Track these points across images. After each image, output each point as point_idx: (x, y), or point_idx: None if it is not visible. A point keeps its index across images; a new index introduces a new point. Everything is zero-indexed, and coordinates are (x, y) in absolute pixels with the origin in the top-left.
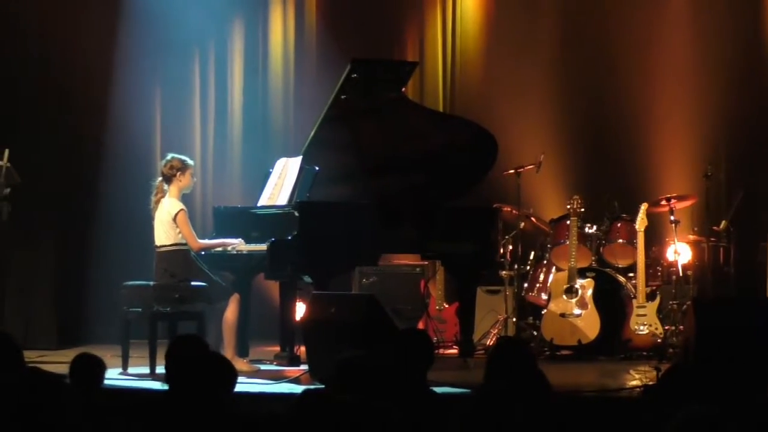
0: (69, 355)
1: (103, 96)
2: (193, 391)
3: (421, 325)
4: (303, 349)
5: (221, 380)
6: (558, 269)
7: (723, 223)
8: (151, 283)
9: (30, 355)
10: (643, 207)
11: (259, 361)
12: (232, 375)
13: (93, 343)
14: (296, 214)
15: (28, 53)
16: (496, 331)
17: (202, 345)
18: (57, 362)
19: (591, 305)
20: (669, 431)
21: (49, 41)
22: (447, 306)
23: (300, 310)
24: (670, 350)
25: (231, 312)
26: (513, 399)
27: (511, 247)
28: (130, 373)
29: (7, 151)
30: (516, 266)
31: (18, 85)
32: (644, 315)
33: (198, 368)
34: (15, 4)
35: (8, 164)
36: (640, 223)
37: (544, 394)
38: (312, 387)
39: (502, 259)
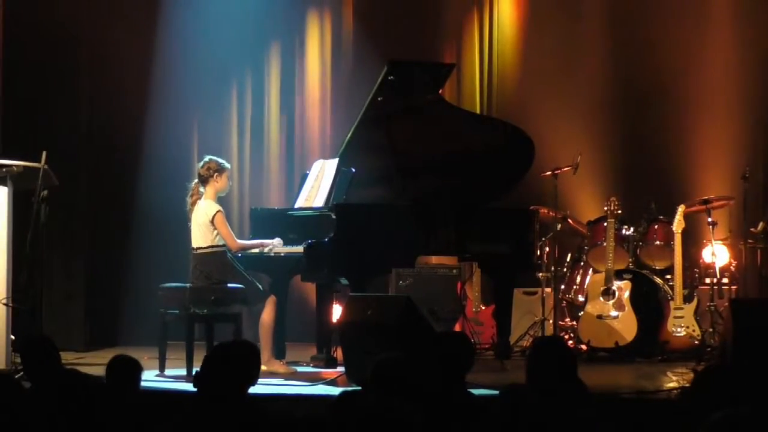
0: (105, 357)
1: (141, 98)
2: (220, 388)
3: (457, 327)
4: (340, 350)
5: (244, 369)
6: (595, 271)
7: (761, 225)
8: (188, 285)
9: (67, 357)
10: (681, 208)
11: (296, 363)
12: (256, 361)
13: (129, 345)
14: (333, 216)
15: (65, 57)
16: (533, 332)
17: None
18: (93, 364)
19: (628, 307)
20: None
21: (87, 45)
22: (484, 308)
23: (337, 311)
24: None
25: (267, 314)
26: (533, 398)
27: (548, 249)
28: (167, 375)
29: (45, 153)
30: (553, 268)
31: (56, 87)
32: (681, 317)
33: (223, 361)
34: (54, 10)
35: (46, 166)
36: (678, 224)
37: (581, 394)
38: (349, 389)
39: (539, 261)
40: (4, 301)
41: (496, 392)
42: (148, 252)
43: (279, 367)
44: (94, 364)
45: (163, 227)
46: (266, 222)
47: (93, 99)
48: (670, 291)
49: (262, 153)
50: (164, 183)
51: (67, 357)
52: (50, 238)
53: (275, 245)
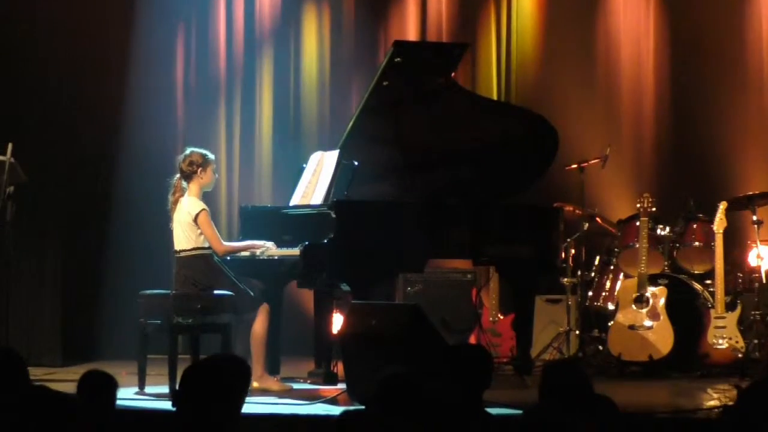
0: (79, 372)
1: (118, 86)
2: (202, 408)
3: (473, 339)
4: (340, 365)
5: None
6: (626, 276)
7: None
8: (171, 291)
9: (36, 373)
10: (722, 206)
11: (292, 380)
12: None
13: (106, 359)
14: (333, 214)
15: (35, 40)
16: (557, 345)
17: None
18: (65, 380)
19: (663, 316)
20: None
21: (58, 26)
22: (502, 317)
23: (337, 322)
24: None
25: (260, 324)
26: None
27: (573, 251)
28: (147, 393)
29: (10, 146)
30: (579, 272)
31: (25, 74)
32: (723, 327)
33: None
34: None
35: (12, 160)
36: (719, 223)
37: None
38: (351, 408)
39: (564, 265)
40: None
41: (518, 411)
42: (127, 255)
43: (272, 383)
44: (67, 380)
45: (144, 228)
46: (258, 221)
47: (65, 85)
48: (710, 298)
49: (252, 144)
50: (145, 178)
51: (36, 373)
52: (17, 239)
53: (267, 248)
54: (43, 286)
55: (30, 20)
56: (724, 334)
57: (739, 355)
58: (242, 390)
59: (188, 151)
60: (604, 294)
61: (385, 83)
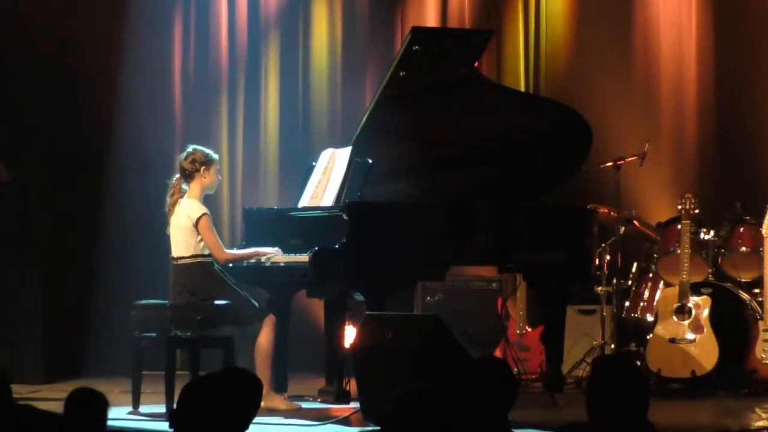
0: (65, 390)
1: (110, 78)
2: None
3: (498, 353)
4: (353, 382)
5: (236, 405)
6: (667, 284)
7: None
8: (168, 302)
9: (18, 391)
10: None
11: (300, 398)
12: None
13: (95, 376)
14: (345, 216)
15: (17, 27)
16: (590, 360)
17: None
18: (52, 399)
19: (707, 328)
20: None
21: (47, 17)
22: (530, 330)
23: (350, 334)
24: None
25: (265, 337)
26: None
27: (609, 257)
28: (141, 413)
29: None
30: (615, 281)
31: (5, 63)
32: None
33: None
34: None
35: None
36: None
37: None
38: (365, 429)
39: (598, 272)
40: None
41: None
42: (120, 262)
43: (279, 402)
44: (53, 398)
45: (138, 232)
46: (263, 225)
47: (52, 79)
48: (758, 308)
49: (257, 141)
50: (139, 179)
51: (19, 390)
52: None
53: (273, 254)
54: (25, 295)
55: (24, 20)
56: None
57: None
58: (250, 409)
59: (191, 148)
60: (642, 304)
61: (402, 74)
